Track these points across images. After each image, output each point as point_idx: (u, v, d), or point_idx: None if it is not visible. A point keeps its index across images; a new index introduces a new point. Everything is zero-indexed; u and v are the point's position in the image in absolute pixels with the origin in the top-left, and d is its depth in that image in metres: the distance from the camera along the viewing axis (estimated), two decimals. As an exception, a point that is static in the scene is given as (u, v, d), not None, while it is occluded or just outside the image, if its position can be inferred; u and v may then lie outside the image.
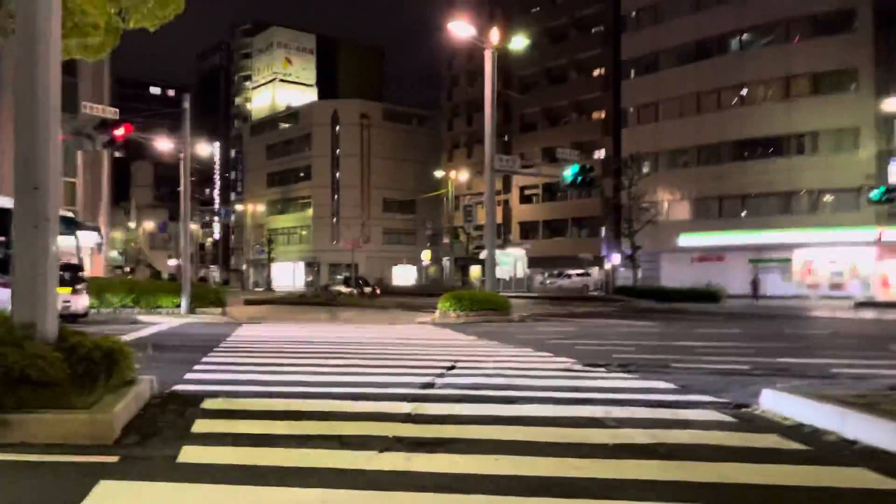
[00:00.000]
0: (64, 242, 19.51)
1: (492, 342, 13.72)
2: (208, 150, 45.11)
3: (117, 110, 20.26)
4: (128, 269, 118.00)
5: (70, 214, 19.42)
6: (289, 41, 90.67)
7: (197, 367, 9.26)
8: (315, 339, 14.61)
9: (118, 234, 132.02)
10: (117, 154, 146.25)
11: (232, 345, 12.73)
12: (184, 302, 22.28)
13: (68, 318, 18.75)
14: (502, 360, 10.26)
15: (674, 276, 45.11)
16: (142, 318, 21.66)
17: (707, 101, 45.50)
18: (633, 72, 49.24)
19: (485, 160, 22.87)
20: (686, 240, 45.61)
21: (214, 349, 11.72)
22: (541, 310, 28.56)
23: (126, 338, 14.76)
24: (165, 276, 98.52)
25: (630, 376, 8.48)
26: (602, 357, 10.64)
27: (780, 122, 42.00)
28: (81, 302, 19.00)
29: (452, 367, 9.19)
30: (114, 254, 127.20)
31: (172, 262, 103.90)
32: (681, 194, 46.03)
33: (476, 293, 22.30)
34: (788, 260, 42.25)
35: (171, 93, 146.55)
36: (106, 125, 19.53)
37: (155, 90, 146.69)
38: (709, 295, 37.60)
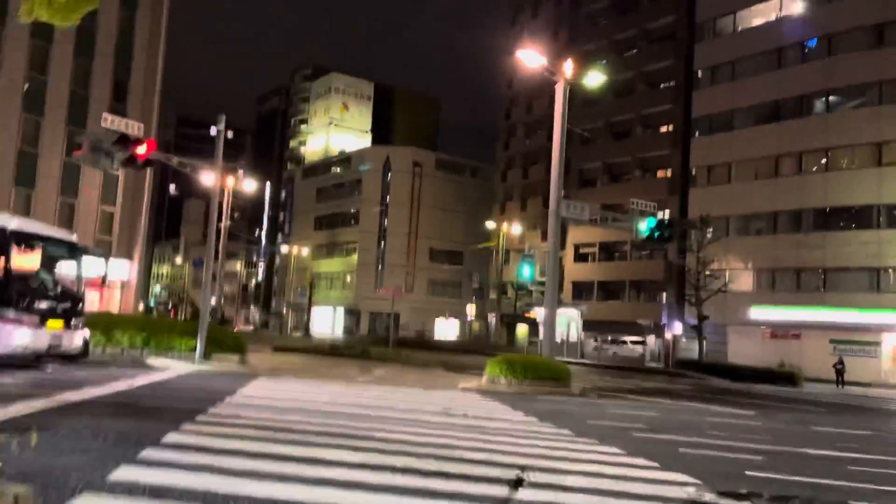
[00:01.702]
0: (64, 269, 17.21)
1: (559, 430, 10.57)
2: (253, 186, 43.57)
3: (142, 125, 18.11)
4: (170, 306, 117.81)
5: (72, 238, 17.06)
6: (346, 87, 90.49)
7: (146, 452, 6.40)
8: (335, 406, 11.67)
9: (165, 270, 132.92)
10: (173, 191, 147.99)
11: (224, 412, 9.87)
12: (199, 346, 19.64)
13: (61, 357, 16.30)
14: (587, 470, 7.15)
15: (742, 351, 41.11)
16: (151, 361, 19.10)
17: (786, 165, 42.03)
18: (703, 130, 46.16)
19: (549, 204, 20.02)
20: (758, 312, 41.58)
21: (197, 417, 8.88)
22: (602, 381, 25.14)
23: (101, 390, 12.20)
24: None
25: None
26: (733, 476, 7.44)
27: (869, 190, 38.24)
28: (76, 339, 16.46)
29: (520, 483, 6.14)
30: (157, 289, 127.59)
31: (213, 302, 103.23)
32: (753, 263, 42.22)
33: (532, 358, 19.17)
34: (876, 343, 37.86)
35: (230, 134, 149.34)
36: (126, 141, 17.33)
37: (215, 131, 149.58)
38: (785, 377, 33.69)
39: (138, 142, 17.48)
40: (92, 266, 17.62)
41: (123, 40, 38.53)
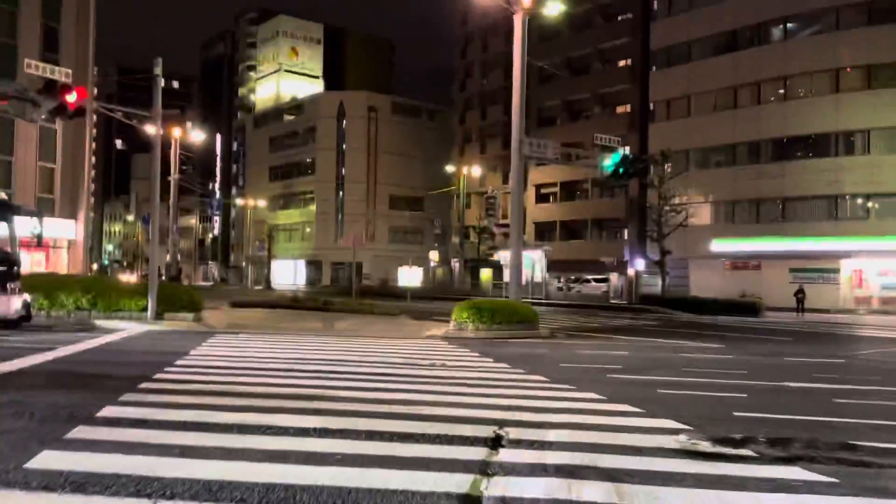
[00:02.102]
0: (-6, 230, 15.97)
1: (533, 376, 10.07)
2: (201, 136, 41.73)
3: (70, 71, 16.65)
4: (125, 264, 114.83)
5: (2, 196, 15.79)
6: (295, 30, 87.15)
7: (76, 431, 5.64)
8: (294, 363, 10.99)
9: (117, 228, 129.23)
10: (120, 146, 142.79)
11: (172, 377, 9.10)
12: (150, 306, 18.69)
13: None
14: (570, 421, 6.62)
15: (703, 284, 41.42)
16: (99, 322, 18.14)
17: (745, 95, 41.74)
18: (661, 63, 45.50)
19: (511, 143, 19.24)
20: (719, 245, 41.83)
21: (140, 385, 8.10)
22: (569, 321, 24.90)
23: (39, 358, 11.27)
24: (163, 271, 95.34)
25: (823, 479, 4.83)
26: (721, 419, 7.00)
27: (827, 118, 38.22)
28: (14, 303, 15.42)
29: (498, 442, 5.56)
30: (110, 248, 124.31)
31: (169, 258, 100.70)
32: (714, 196, 42.24)
33: (498, 302, 18.67)
34: (835, 270, 38.44)
35: (175, 84, 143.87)
36: (53, 89, 15.94)
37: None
38: (747, 307, 33.92)
39: (67, 89, 16.09)
40: (28, 225, 16.41)
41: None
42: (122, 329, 17.19)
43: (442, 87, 73.41)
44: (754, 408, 7.72)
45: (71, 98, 16.20)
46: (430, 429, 5.94)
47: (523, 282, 42.71)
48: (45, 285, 19.33)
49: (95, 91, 34.17)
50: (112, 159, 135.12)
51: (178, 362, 10.64)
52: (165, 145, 42.27)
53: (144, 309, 18.87)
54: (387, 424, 6.13)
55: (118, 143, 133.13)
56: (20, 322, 15.96)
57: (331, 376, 9.55)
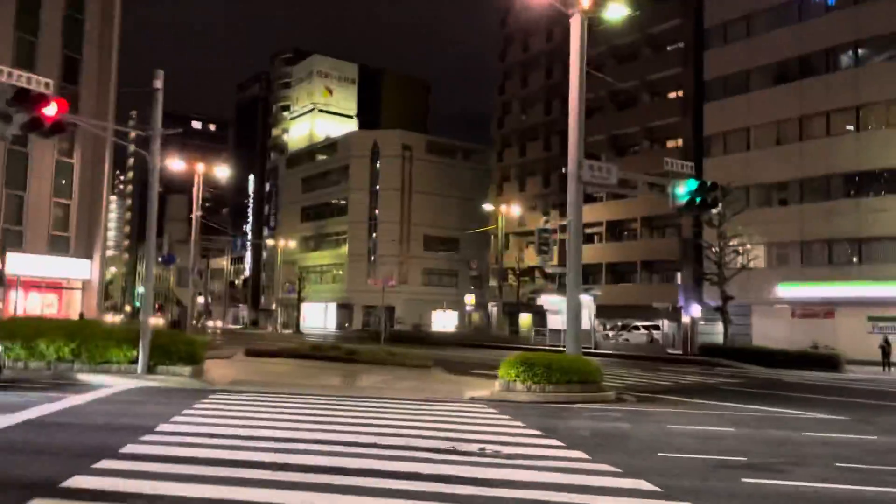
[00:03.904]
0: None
1: (630, 480, 6.80)
2: (226, 173, 39.76)
3: (50, 81, 14.16)
4: (156, 306, 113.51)
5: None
6: (330, 70, 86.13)
7: None
8: (294, 444, 7.87)
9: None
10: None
11: (122, 465, 6.06)
12: (141, 357, 15.83)
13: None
14: None
15: (767, 333, 37.55)
16: (83, 377, 15.33)
17: (812, 127, 38.22)
18: (716, 94, 42.30)
19: (569, 166, 16.22)
20: (785, 290, 37.93)
21: (68, 479, 5.08)
22: (630, 377, 21.43)
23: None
24: (194, 315, 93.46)
25: None
26: None
27: (907, 150, 34.54)
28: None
29: None
30: (141, 289, 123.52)
31: (200, 300, 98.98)
32: (778, 236, 38.45)
33: (554, 357, 15.40)
34: (921, 318, 34.26)
35: (212, 127, 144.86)
36: (27, 99, 13.41)
37: (196, 124, 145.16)
38: (825, 360, 29.98)
39: (43, 100, 13.56)
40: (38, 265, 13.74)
41: (73, 11, 34.50)
42: (106, 386, 14.41)
43: (477, 130, 71.18)
44: None
45: (49, 111, 13.66)
46: None
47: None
48: (25, 331, 16.62)
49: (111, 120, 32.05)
50: (147, 201, 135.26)
51: (141, 439, 7.77)
52: (189, 183, 40.48)
53: (135, 361, 16.02)
54: None
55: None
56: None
57: (338, 471, 6.42)
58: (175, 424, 9.44)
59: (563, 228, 17.86)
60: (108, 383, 14.84)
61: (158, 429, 8.98)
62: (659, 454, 8.40)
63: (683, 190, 17.40)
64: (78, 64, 34.96)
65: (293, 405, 12.14)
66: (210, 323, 71.73)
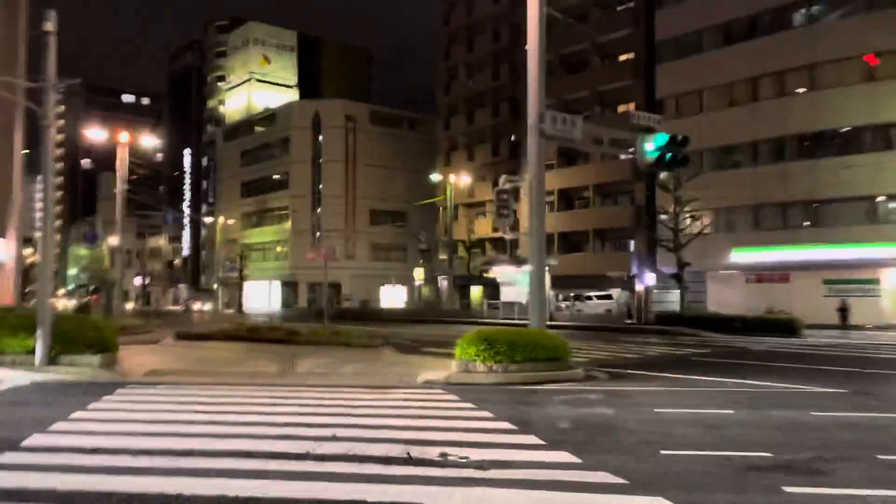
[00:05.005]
0: None
1: (647, 499, 5.13)
2: (154, 142, 36.69)
3: None
4: (91, 290, 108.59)
5: None
6: (267, 38, 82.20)
7: None
8: (201, 460, 5.94)
9: (84, 251, 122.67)
10: (87, 165, 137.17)
11: None
12: (39, 346, 13.57)
13: None
14: None
15: (722, 299, 36.93)
16: (-32, 372, 13.00)
17: (765, 88, 37.38)
18: (669, 55, 41.10)
19: (528, 119, 14.41)
20: (740, 256, 37.27)
21: None
22: (594, 350, 20.04)
23: None
24: (133, 297, 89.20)
25: None
26: None
27: (861, 110, 33.93)
28: None
29: None
30: (73, 272, 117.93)
31: (138, 281, 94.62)
32: (732, 200, 37.64)
33: (518, 332, 13.74)
34: (874, 281, 33.96)
35: (145, 101, 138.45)
36: None
37: (129, 98, 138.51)
38: (783, 325, 29.21)
39: None
40: None
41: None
42: (-6, 382, 12.12)
43: (421, 105, 68.69)
44: None
45: None
46: None
47: (524, 301, 37.83)
48: None
49: (24, 92, 29.04)
50: (78, 179, 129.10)
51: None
52: (112, 154, 37.35)
53: (32, 351, 13.74)
54: None
55: (85, 162, 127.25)
56: None
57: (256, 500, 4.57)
58: (51, 436, 7.39)
59: (514, 193, 16.12)
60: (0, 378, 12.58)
61: (26, 443, 6.95)
62: (662, 452, 6.78)
63: (652, 146, 15.86)
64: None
65: (212, 401, 10.16)
66: (197, 306, 67.94)
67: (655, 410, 9.40)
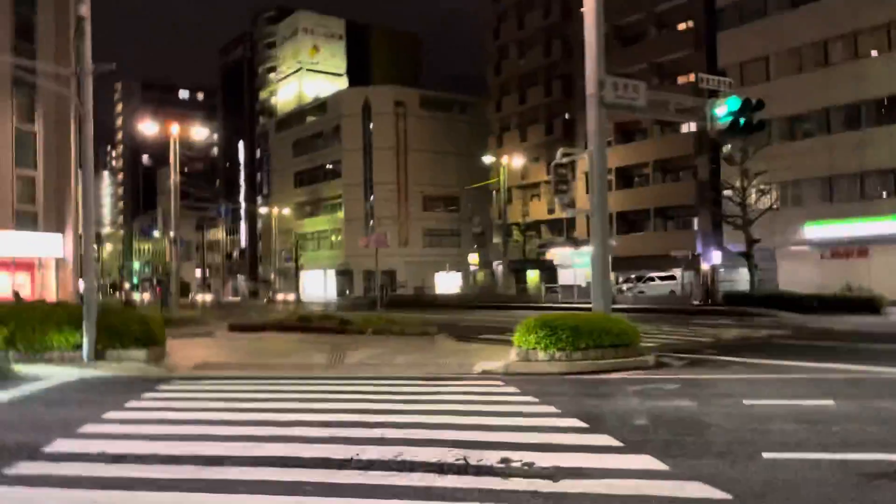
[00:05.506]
0: None
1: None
2: (203, 134, 36.79)
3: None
4: (156, 282, 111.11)
5: None
6: (315, 26, 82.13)
7: None
8: (232, 465, 5.18)
9: (147, 245, 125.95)
10: (146, 162, 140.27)
11: None
12: (85, 342, 13.23)
13: None
14: None
15: (794, 278, 34.86)
16: (20, 368, 12.76)
17: (836, 51, 35.07)
18: (731, 22, 38.99)
19: (587, 87, 13.28)
20: (814, 231, 35.20)
21: None
22: (662, 334, 18.86)
23: None
24: (193, 289, 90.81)
25: None
26: None
27: (946, 69, 31.44)
28: None
29: None
30: (136, 266, 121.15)
31: (198, 273, 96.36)
32: (804, 172, 35.52)
33: (581, 317, 12.76)
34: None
35: (200, 96, 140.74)
36: None
37: (184, 94, 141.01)
38: (864, 303, 27.39)
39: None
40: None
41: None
42: (42, 378, 11.82)
43: (471, 87, 67.15)
44: None
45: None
46: None
47: (584, 283, 36.53)
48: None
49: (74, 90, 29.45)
50: (139, 175, 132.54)
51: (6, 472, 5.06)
52: (165, 146, 37.48)
53: (79, 346, 13.41)
54: None
55: (144, 158, 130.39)
56: None
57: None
58: (76, 440, 6.81)
59: (572, 169, 15.08)
60: (46, 375, 12.26)
61: (47, 449, 6.36)
62: (764, 455, 5.76)
63: (724, 111, 14.57)
64: (31, 21, 31.83)
65: (255, 397, 9.52)
66: (280, 296, 68.48)
67: (744, 402, 8.32)
